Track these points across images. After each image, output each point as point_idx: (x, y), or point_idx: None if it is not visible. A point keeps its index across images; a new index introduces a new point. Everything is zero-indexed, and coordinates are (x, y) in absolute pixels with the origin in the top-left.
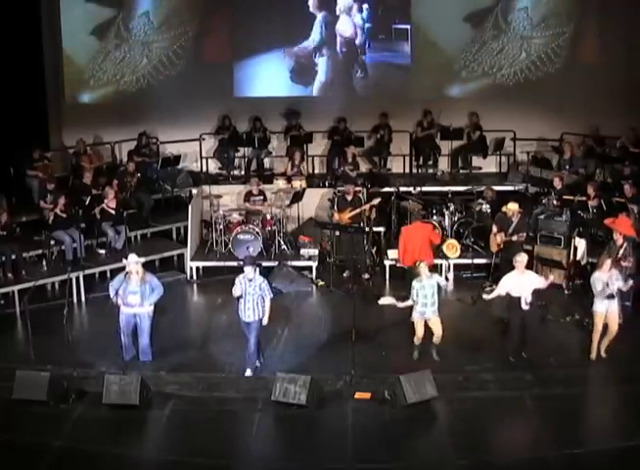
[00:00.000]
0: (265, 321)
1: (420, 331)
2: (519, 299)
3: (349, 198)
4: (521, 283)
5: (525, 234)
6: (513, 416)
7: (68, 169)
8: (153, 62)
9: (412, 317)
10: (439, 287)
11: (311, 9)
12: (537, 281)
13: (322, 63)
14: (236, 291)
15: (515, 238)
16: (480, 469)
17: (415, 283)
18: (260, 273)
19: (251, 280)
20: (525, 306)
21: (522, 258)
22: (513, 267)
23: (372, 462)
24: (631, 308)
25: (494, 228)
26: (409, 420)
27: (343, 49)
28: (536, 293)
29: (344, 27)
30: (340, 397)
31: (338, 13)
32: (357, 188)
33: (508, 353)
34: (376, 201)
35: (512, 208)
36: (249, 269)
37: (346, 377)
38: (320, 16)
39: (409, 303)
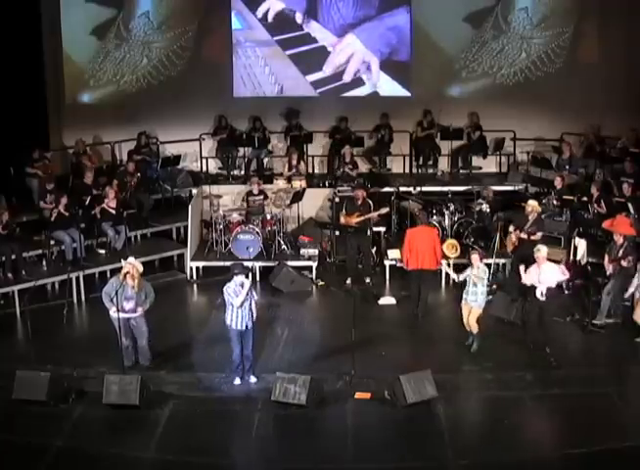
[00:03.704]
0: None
1: (463, 315)
2: (534, 289)
3: (358, 203)
4: (540, 274)
5: (540, 233)
6: (513, 416)
7: (67, 169)
8: (153, 62)
9: None
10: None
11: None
12: (557, 273)
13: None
14: (240, 299)
15: (533, 236)
16: (479, 469)
17: (469, 269)
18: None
19: (242, 286)
20: (540, 297)
21: (543, 252)
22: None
23: (372, 462)
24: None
25: (511, 227)
26: (409, 420)
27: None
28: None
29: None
30: (340, 397)
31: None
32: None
33: (528, 341)
34: (384, 210)
35: (532, 203)
36: (242, 277)
37: (346, 377)
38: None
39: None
